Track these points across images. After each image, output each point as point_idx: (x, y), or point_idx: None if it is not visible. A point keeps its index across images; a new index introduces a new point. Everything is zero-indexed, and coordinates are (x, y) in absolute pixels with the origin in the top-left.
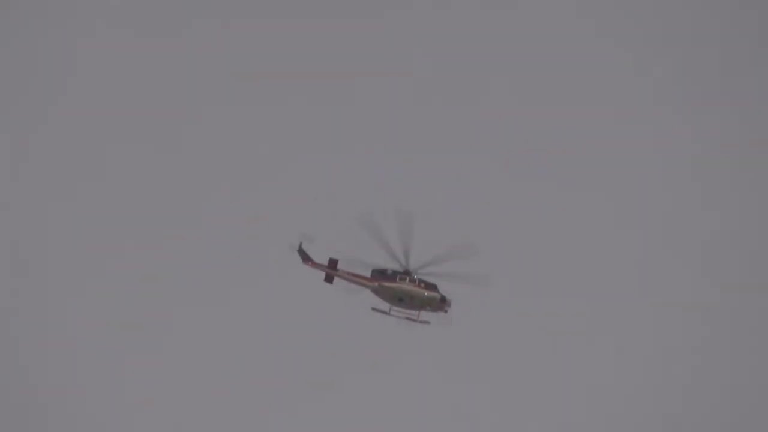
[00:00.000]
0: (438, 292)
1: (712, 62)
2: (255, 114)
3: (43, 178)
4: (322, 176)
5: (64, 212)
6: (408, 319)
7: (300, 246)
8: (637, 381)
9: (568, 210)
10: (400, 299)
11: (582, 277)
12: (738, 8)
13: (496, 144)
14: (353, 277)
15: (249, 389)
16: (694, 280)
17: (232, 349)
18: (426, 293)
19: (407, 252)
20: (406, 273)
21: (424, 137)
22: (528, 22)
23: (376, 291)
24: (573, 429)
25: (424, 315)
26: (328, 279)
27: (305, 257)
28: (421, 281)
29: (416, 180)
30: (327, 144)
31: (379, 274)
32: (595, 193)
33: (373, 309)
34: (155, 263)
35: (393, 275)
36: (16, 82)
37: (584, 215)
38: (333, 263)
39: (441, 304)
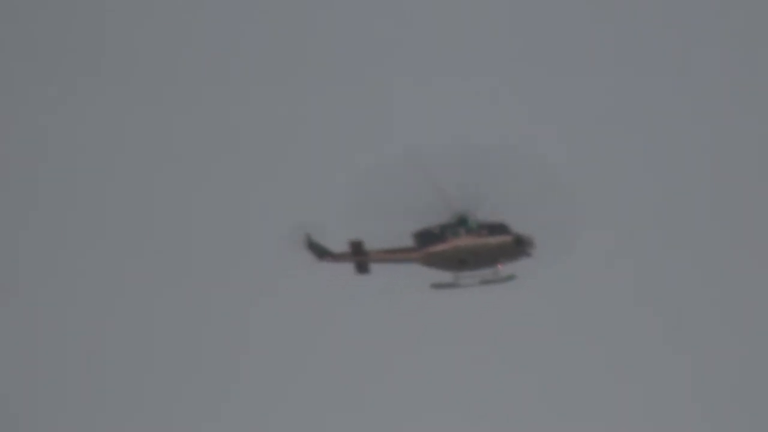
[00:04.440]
0: (510, 232)
1: None
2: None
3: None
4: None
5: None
6: (485, 283)
7: (309, 239)
8: None
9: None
10: (462, 261)
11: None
12: None
13: None
14: (391, 255)
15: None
16: None
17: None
18: (493, 240)
19: (451, 192)
20: (460, 222)
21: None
22: None
23: (426, 262)
24: None
25: (504, 269)
26: (361, 269)
27: (320, 252)
28: (481, 227)
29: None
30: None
31: (424, 237)
32: None
33: (434, 286)
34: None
35: (442, 232)
36: None
37: None
38: (358, 246)
39: (520, 247)
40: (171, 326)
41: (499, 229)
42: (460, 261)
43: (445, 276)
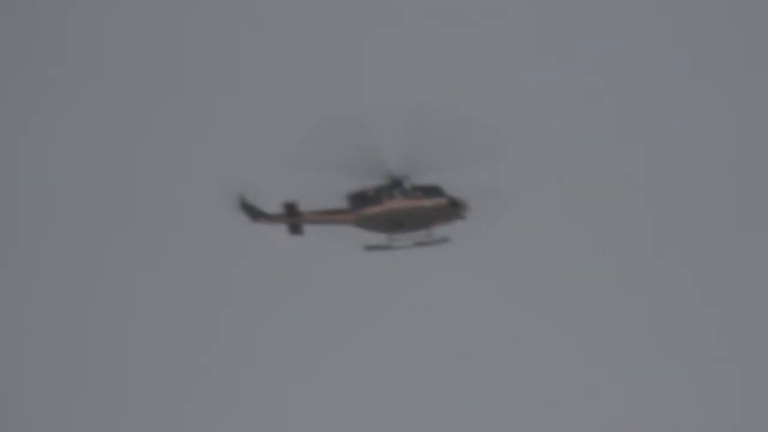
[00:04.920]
0: (444, 194)
1: None
2: None
3: None
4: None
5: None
6: (419, 245)
7: (243, 200)
8: None
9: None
10: (397, 223)
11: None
12: None
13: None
14: (325, 216)
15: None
16: None
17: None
18: (427, 202)
19: (385, 156)
20: (394, 184)
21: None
22: None
23: (361, 224)
24: None
25: (438, 232)
26: (294, 230)
27: (254, 213)
28: (416, 189)
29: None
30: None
31: (358, 199)
32: None
33: (367, 248)
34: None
35: (377, 195)
36: None
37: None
38: (292, 208)
39: (453, 209)
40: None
41: (433, 191)
42: (394, 223)
43: (379, 238)
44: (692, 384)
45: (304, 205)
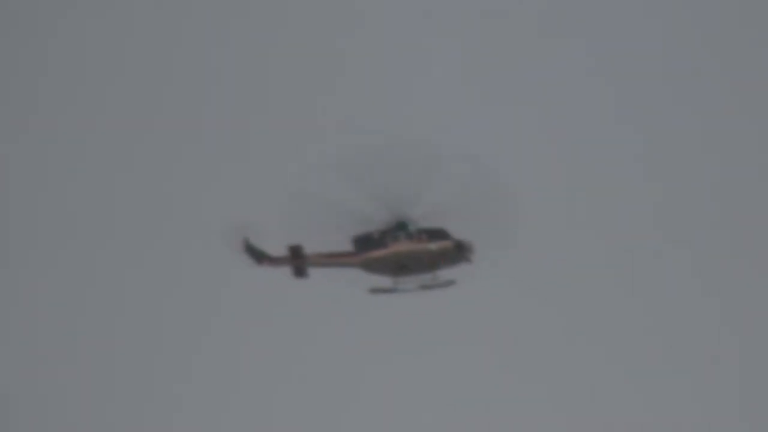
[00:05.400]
0: (449, 237)
1: None
2: None
3: None
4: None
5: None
6: (424, 288)
7: (247, 242)
8: None
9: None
10: (401, 267)
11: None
12: None
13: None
14: (330, 259)
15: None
16: None
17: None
18: (433, 246)
19: (392, 198)
20: (399, 227)
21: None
22: None
23: (366, 267)
24: None
25: (443, 275)
26: (299, 273)
27: (258, 255)
28: (421, 232)
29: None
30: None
31: (363, 242)
32: None
33: (372, 291)
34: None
35: (382, 238)
36: None
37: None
38: (296, 250)
39: (459, 252)
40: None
41: (438, 234)
42: (400, 266)
43: (384, 281)
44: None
45: (310, 248)
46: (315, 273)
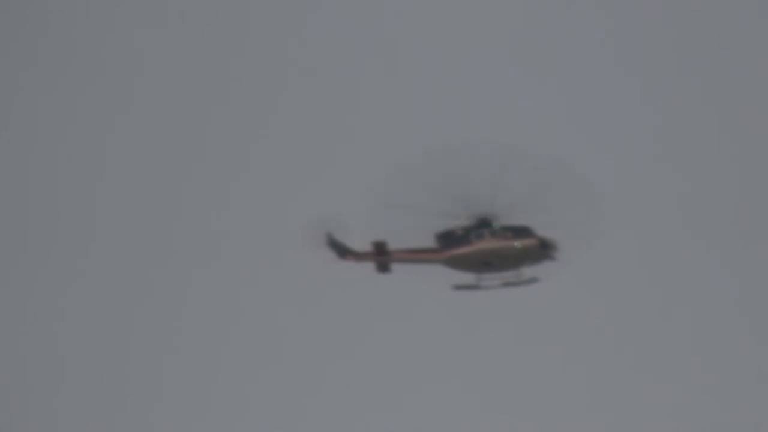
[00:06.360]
0: (534, 235)
1: None
2: None
3: None
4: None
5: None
6: (507, 285)
7: (330, 237)
8: None
9: None
10: (485, 264)
11: None
12: None
13: None
14: (414, 255)
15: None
16: None
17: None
18: (517, 243)
19: (475, 195)
20: (483, 224)
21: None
22: None
23: (449, 264)
24: None
25: (526, 272)
26: (382, 268)
27: (341, 250)
28: (505, 229)
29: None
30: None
31: (446, 239)
32: None
33: (456, 287)
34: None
35: (465, 235)
36: None
37: None
38: (380, 246)
39: (543, 250)
40: (184, 322)
41: (522, 231)
42: (483, 263)
43: (467, 277)
44: None
45: (394, 244)
46: (398, 268)
